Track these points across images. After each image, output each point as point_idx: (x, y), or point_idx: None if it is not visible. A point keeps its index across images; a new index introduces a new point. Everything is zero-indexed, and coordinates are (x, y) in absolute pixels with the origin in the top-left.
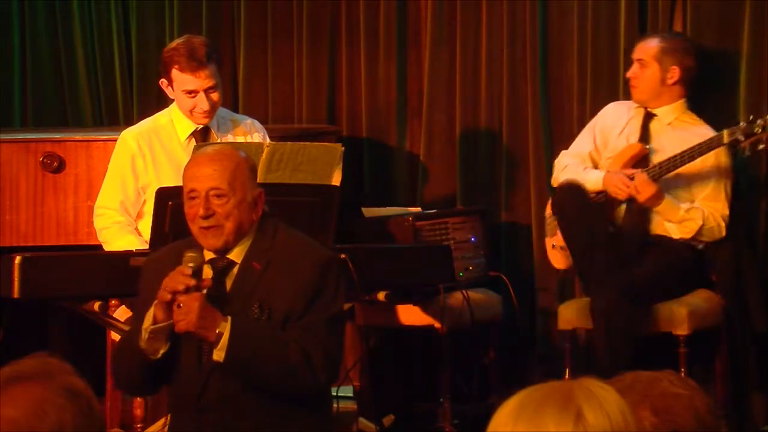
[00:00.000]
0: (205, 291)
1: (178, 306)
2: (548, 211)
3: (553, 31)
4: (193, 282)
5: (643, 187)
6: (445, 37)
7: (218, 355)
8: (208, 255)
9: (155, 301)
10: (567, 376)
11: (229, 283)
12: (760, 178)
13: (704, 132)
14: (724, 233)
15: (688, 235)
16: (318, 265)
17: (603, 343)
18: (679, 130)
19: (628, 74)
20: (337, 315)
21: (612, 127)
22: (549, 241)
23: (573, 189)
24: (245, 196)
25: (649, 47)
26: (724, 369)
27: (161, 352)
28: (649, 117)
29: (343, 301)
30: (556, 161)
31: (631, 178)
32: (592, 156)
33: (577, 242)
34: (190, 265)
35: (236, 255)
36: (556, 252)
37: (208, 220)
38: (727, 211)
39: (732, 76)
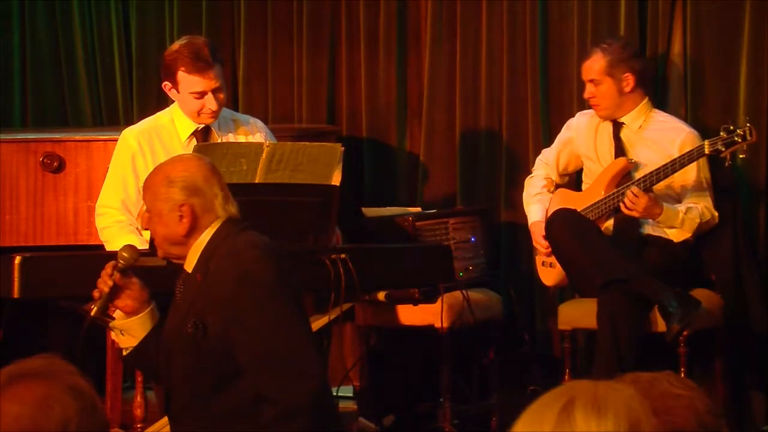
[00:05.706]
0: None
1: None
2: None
3: (553, 31)
4: (110, 283)
5: (639, 202)
6: (445, 37)
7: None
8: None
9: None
10: (567, 377)
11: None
12: (760, 179)
13: (676, 125)
14: (717, 219)
15: (689, 234)
16: (232, 280)
17: (609, 345)
18: (651, 131)
19: (585, 96)
20: (274, 318)
21: (582, 140)
22: (539, 259)
23: (563, 214)
24: (160, 211)
25: (595, 66)
26: (724, 369)
27: (130, 347)
28: (618, 126)
29: (279, 292)
30: (537, 159)
31: (623, 194)
32: (557, 164)
33: (573, 262)
34: (121, 263)
35: (189, 263)
36: (546, 269)
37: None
38: (712, 202)
39: (732, 76)
